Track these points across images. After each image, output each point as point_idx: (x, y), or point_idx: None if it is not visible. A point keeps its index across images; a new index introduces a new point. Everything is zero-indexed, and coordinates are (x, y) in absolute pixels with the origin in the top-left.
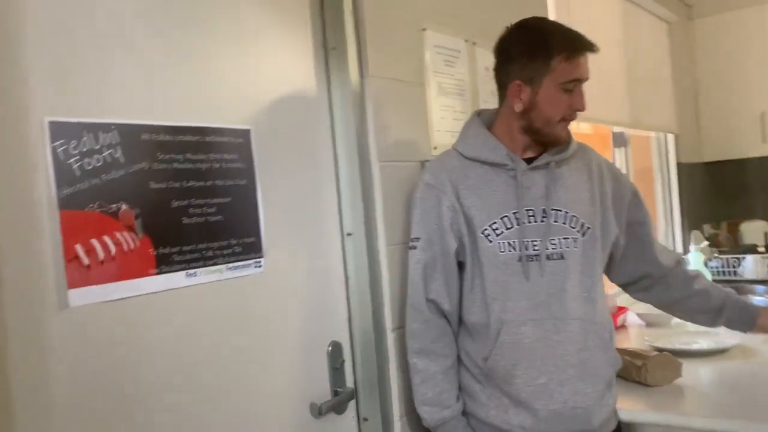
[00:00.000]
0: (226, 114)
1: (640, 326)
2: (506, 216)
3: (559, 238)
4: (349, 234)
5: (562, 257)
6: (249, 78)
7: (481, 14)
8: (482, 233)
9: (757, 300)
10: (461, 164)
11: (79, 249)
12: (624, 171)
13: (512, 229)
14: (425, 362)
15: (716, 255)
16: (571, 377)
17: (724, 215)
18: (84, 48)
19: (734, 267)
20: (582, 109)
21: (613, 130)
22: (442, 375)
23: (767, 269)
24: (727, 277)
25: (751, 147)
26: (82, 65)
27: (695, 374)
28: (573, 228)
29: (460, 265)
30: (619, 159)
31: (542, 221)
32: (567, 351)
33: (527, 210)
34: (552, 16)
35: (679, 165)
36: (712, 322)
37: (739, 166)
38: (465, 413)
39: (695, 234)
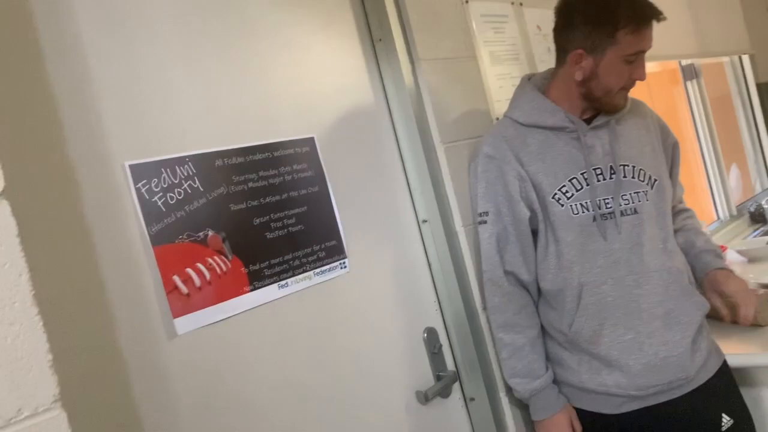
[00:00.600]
0: (288, 126)
1: (742, 263)
2: (574, 177)
3: (630, 193)
4: (424, 221)
5: (635, 212)
6: (305, 86)
7: None
8: (553, 198)
9: None
10: (519, 132)
11: (177, 280)
12: (698, 103)
13: (582, 190)
14: (511, 335)
15: None
16: (658, 328)
17: None
18: (150, 87)
19: None
20: (642, 79)
21: (681, 63)
22: (530, 346)
23: None
24: None
25: None
26: (150, 104)
27: None
28: (642, 181)
29: (533, 234)
30: (692, 91)
31: (611, 178)
32: (651, 303)
33: (594, 169)
34: None
35: (759, 85)
36: None
37: None
38: (556, 382)
39: None
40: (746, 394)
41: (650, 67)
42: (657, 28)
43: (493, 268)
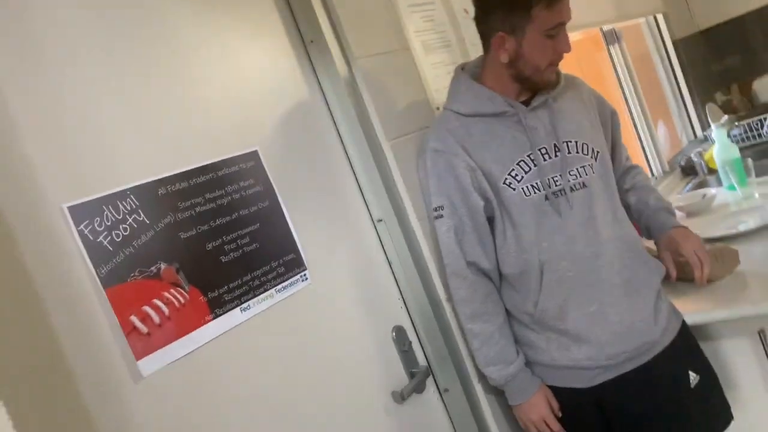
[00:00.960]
0: (230, 142)
1: (681, 218)
2: (522, 160)
3: (576, 168)
4: (379, 220)
5: (584, 185)
6: (240, 98)
7: None
8: (504, 183)
9: None
10: (461, 123)
11: (135, 319)
12: (623, 65)
13: (531, 171)
14: (480, 325)
15: (735, 124)
16: (619, 297)
17: (732, 78)
18: (77, 122)
19: (757, 129)
20: (567, 51)
21: (602, 29)
22: (499, 333)
23: None
24: (753, 142)
25: (743, 3)
26: (81, 140)
27: (750, 257)
28: (586, 155)
29: (489, 221)
30: (615, 55)
31: (557, 156)
32: (610, 273)
33: (540, 149)
34: None
35: (675, 42)
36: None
37: (737, 24)
38: (528, 364)
39: (711, 108)
40: (705, 349)
41: (573, 36)
42: (577, 2)
43: (455, 261)
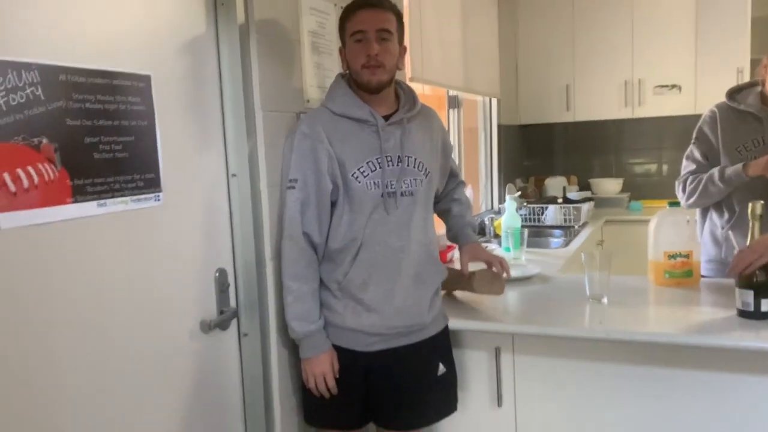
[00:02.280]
0: (129, 59)
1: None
2: (370, 161)
3: (410, 179)
4: (234, 175)
5: (411, 194)
6: (150, 28)
7: None
8: (352, 175)
9: (554, 242)
10: (332, 119)
11: (7, 177)
12: (455, 129)
13: (376, 172)
14: (298, 284)
15: (525, 204)
16: (408, 285)
17: (533, 171)
18: None
19: (539, 215)
20: (372, 53)
21: (448, 93)
22: (311, 295)
23: (563, 217)
24: (533, 223)
25: (557, 114)
26: (5, 5)
27: (513, 295)
28: (420, 171)
29: (332, 205)
30: (452, 119)
31: (398, 165)
32: (407, 265)
33: (386, 156)
34: None
35: (500, 126)
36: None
37: (547, 129)
38: (324, 326)
39: (509, 186)
40: (457, 352)
41: (423, 89)
42: (436, 58)
43: (293, 227)
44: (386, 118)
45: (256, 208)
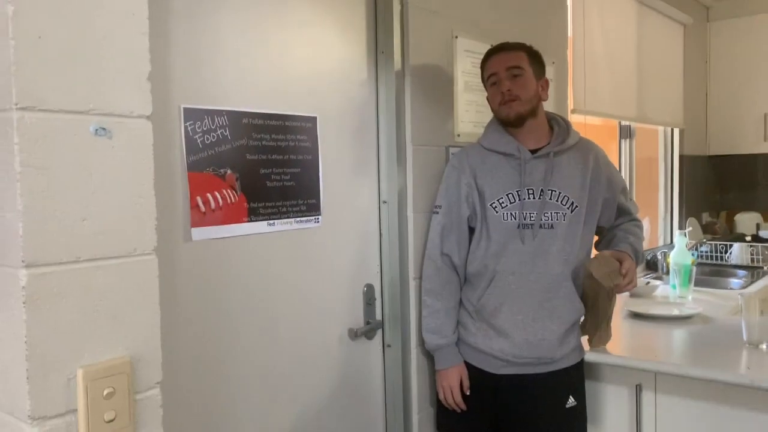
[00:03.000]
0: (299, 103)
1: (625, 296)
2: (510, 193)
3: (551, 212)
4: (384, 201)
5: (551, 227)
6: (317, 74)
7: (504, 23)
8: (490, 205)
9: (734, 282)
10: (481, 153)
11: (199, 200)
12: (627, 161)
13: (515, 203)
14: (432, 300)
15: (704, 241)
16: (542, 316)
17: (726, 206)
18: (205, 48)
19: (722, 252)
20: (504, 89)
21: (620, 123)
22: (444, 312)
23: (750, 257)
24: (715, 261)
25: (754, 144)
26: (204, 63)
27: (667, 333)
28: (563, 205)
29: (471, 230)
30: (624, 149)
31: (539, 198)
32: (542, 297)
33: (528, 189)
34: (569, 21)
35: (683, 157)
36: None
37: (741, 161)
38: (458, 342)
39: (691, 220)
40: (593, 386)
41: (593, 121)
42: (606, 89)
43: (434, 248)
44: (535, 151)
45: (403, 232)
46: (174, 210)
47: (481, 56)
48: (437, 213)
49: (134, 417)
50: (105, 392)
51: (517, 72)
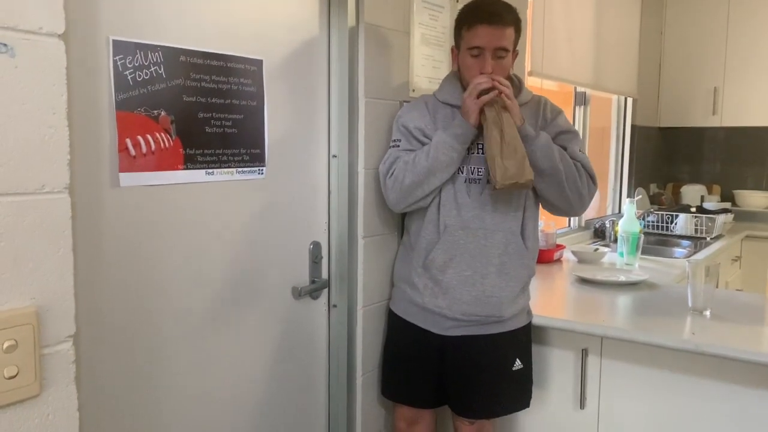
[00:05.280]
0: (244, 45)
1: (573, 262)
2: None
3: None
4: (334, 156)
5: None
6: (265, 17)
7: None
8: None
9: (678, 251)
10: (434, 103)
11: (129, 142)
12: (581, 128)
13: (464, 157)
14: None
15: (652, 211)
16: (491, 273)
17: (673, 178)
18: None
19: (668, 223)
20: (486, 71)
21: (576, 89)
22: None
23: (695, 227)
24: (661, 231)
25: (702, 117)
26: None
27: (614, 299)
28: None
29: None
30: (578, 116)
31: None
32: (491, 254)
33: (478, 144)
34: None
35: (635, 127)
36: None
37: (690, 133)
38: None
39: (639, 190)
40: (540, 350)
41: (549, 86)
42: (563, 53)
43: (386, 168)
44: None
45: (353, 188)
46: (100, 152)
47: (440, 9)
48: (397, 146)
49: (41, 373)
50: (6, 345)
51: (502, 54)
